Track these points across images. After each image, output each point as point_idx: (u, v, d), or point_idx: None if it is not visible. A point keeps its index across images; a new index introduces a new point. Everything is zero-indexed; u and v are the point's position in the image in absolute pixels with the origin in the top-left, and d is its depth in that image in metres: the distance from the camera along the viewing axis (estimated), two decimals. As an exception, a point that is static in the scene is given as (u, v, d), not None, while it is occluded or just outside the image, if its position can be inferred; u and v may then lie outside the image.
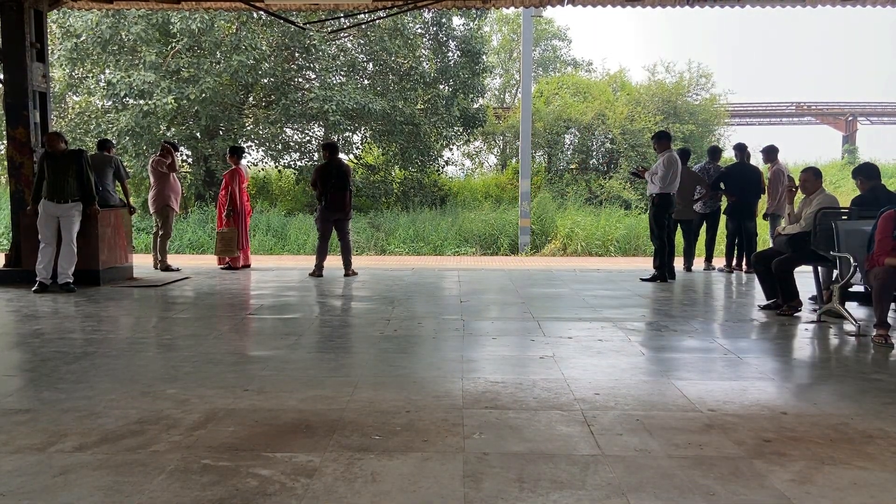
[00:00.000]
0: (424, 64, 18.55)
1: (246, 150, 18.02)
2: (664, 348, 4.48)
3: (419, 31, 18.83)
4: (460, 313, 5.60)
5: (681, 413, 3.14)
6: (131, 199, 8.07)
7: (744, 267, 8.50)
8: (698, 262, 8.88)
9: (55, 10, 8.21)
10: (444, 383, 3.62)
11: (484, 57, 19.91)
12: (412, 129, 17.92)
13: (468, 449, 2.73)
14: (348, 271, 8.06)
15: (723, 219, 8.63)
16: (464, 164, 25.57)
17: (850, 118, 33.98)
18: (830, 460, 2.63)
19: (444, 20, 18.75)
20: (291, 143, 18.59)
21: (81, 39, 15.48)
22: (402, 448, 2.74)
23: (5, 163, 21.15)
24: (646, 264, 10.14)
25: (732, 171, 8.46)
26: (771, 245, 8.89)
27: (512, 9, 11.10)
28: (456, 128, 19.54)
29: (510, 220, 17.12)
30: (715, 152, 9.02)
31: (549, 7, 9.47)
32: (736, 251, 8.60)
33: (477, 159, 26.21)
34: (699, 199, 8.47)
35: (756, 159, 8.93)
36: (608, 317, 5.46)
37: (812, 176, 5.51)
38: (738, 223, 8.36)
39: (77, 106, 17.73)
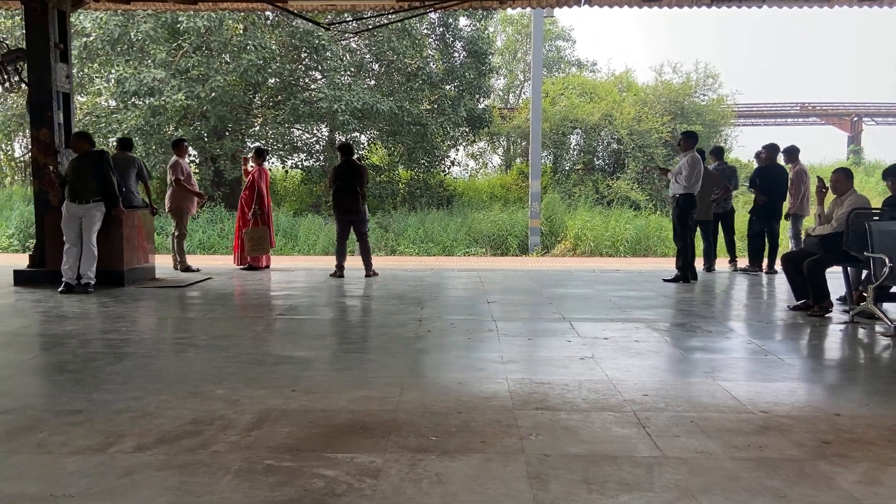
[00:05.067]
0: (431, 64, 18.55)
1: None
2: (702, 349, 4.48)
3: (425, 31, 18.84)
4: (490, 314, 5.60)
5: (734, 415, 3.14)
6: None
7: (764, 267, 8.50)
8: (721, 263, 8.88)
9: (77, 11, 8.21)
10: (489, 384, 3.62)
11: (490, 57, 19.91)
12: (419, 129, 17.94)
13: (527, 450, 2.73)
14: (369, 272, 8.06)
15: (739, 219, 8.62)
16: (467, 165, 25.60)
17: (855, 118, 33.92)
18: (893, 461, 2.63)
19: (450, 20, 18.74)
20: (299, 144, 18.63)
21: (91, 38, 15.50)
22: (461, 449, 2.74)
23: (12, 164, 21.00)
24: (661, 265, 10.17)
25: (764, 171, 8.44)
26: (790, 245, 8.93)
27: (528, 9, 11.09)
28: (462, 128, 19.57)
29: (519, 220, 17.12)
30: (719, 152, 8.99)
31: (565, 7, 9.46)
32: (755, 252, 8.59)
33: (481, 160, 26.23)
34: (715, 199, 8.48)
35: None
36: (639, 317, 5.46)
37: (843, 176, 5.52)
38: (764, 224, 8.34)
39: (84, 106, 17.74)
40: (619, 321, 5.30)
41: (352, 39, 18.52)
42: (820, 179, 5.68)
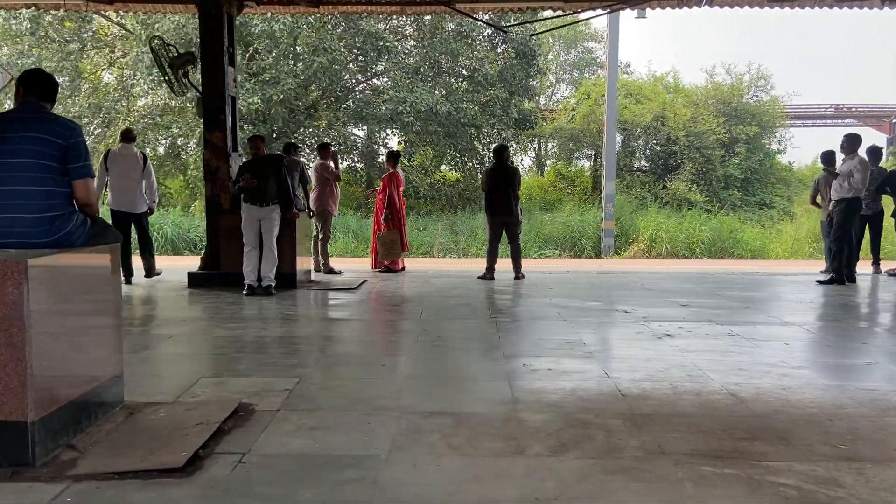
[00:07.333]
0: (486, 66, 18.60)
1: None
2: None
3: (473, 32, 18.91)
4: (705, 317, 5.51)
5: None
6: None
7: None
8: (863, 266, 8.81)
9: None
10: (810, 390, 3.57)
11: (539, 59, 19.99)
12: (474, 131, 18.04)
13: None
14: (518, 274, 8.03)
15: (889, 221, 8.58)
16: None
17: (893, 120, 33.66)
18: None
19: (501, 22, 18.76)
20: (358, 145, 18.80)
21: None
22: (883, 458, 2.70)
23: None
24: (774, 266, 10.10)
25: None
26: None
27: (658, 10, 11.04)
28: (510, 130, 19.65)
29: (589, 222, 17.10)
30: (876, 154, 8.91)
31: (685, 8, 9.40)
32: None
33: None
34: (857, 200, 8.40)
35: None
36: (856, 323, 5.41)
37: None
38: (908, 227, 8.30)
39: (143, 107, 17.75)
40: (845, 326, 5.26)
41: (398, 41, 18.59)
42: None
